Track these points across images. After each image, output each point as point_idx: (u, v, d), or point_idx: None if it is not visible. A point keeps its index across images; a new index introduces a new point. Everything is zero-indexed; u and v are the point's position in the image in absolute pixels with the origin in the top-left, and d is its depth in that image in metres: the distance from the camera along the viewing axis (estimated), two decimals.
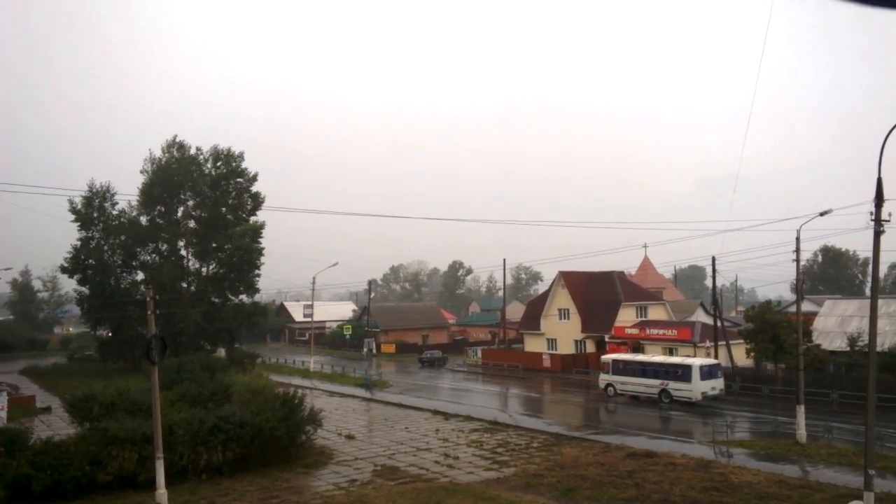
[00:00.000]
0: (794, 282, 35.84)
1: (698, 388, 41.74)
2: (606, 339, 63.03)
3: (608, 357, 48.60)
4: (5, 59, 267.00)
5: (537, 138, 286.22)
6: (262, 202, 63.38)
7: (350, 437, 33.73)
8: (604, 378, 47.09)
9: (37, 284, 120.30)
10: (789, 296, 66.94)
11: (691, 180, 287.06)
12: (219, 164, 61.93)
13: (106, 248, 60.01)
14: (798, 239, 33.42)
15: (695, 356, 49.30)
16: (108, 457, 23.98)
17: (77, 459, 23.19)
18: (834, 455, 28.38)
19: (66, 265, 59.67)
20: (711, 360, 45.55)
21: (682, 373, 42.65)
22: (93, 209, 59.51)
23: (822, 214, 31.92)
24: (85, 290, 60.89)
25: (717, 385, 42.72)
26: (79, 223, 59.14)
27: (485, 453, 29.95)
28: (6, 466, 22.44)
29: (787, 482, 23.89)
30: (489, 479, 25.19)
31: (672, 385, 42.81)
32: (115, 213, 60.66)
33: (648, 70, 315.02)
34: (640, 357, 48.36)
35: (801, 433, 31.27)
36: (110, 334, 62.72)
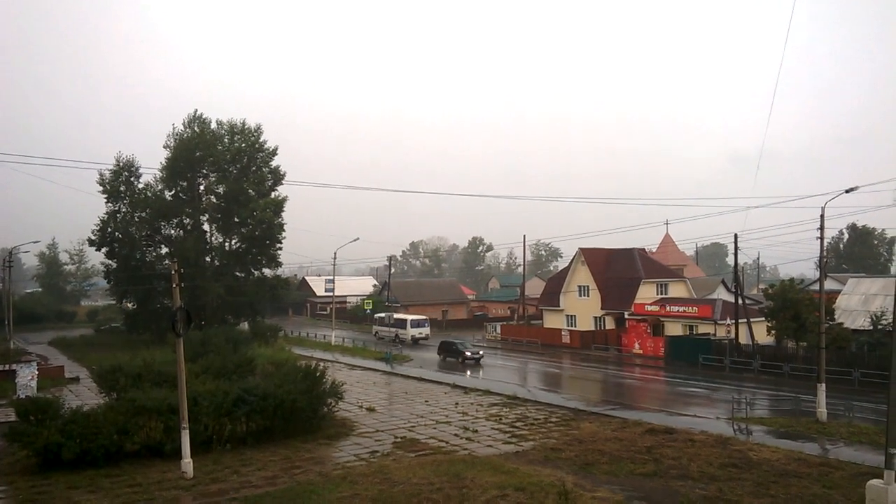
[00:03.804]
0: (818, 260, 35.51)
1: (410, 333, 69.13)
2: (626, 316, 62.93)
3: (377, 315, 76.87)
4: (44, 41, 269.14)
5: (562, 114, 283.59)
6: (283, 177, 63.60)
7: (371, 410, 34.18)
8: (375, 328, 75.05)
9: (64, 257, 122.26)
10: (813, 274, 66.20)
11: (724, 157, 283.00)
12: (237, 137, 62.18)
13: (134, 220, 60.68)
14: (822, 216, 33.07)
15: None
16: (136, 427, 24.58)
17: (105, 429, 23.77)
18: (854, 433, 28.30)
19: (93, 238, 60.44)
20: (420, 317, 72.86)
21: (403, 324, 70.31)
22: (119, 182, 60.13)
23: (847, 191, 31.54)
24: (112, 262, 61.72)
25: (423, 332, 69.83)
26: (106, 196, 59.80)
27: (503, 427, 30.25)
28: (37, 434, 23.07)
29: (806, 460, 23.91)
30: (508, 453, 25.47)
31: (399, 331, 70.42)
32: (140, 186, 61.19)
33: (682, 45, 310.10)
34: (392, 315, 74.60)
35: (822, 411, 31.18)
36: (135, 307, 63.63)
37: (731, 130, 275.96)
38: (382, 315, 76.22)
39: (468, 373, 48.07)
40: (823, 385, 31.68)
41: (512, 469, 22.52)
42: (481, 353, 55.13)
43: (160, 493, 20.87)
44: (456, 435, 28.73)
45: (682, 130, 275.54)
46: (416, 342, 68.12)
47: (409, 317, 73.01)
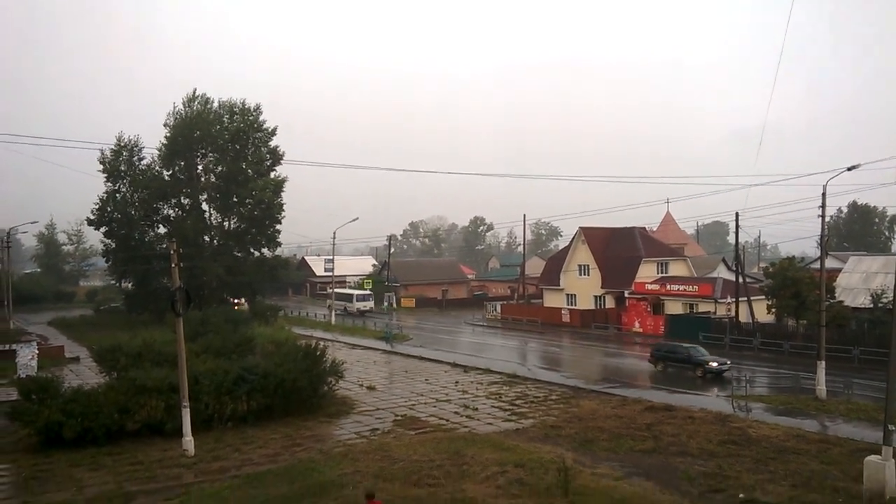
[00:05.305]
0: (819, 238, 35.41)
1: (356, 305, 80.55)
2: (626, 295, 62.95)
3: (331, 291, 79.37)
4: (34, 12, 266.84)
5: (561, 91, 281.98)
6: (282, 157, 63.27)
7: (371, 388, 34.29)
8: (328, 301, 78.69)
9: (62, 238, 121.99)
10: (814, 252, 66.08)
11: (724, 133, 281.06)
12: (236, 117, 61.74)
13: (133, 201, 60.48)
14: (824, 194, 32.92)
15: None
16: (136, 405, 24.66)
17: (106, 408, 23.84)
18: (853, 410, 28.41)
19: (91, 218, 60.28)
20: (365, 291, 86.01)
21: (350, 298, 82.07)
22: (120, 162, 59.90)
23: (849, 169, 31.35)
24: (111, 242, 61.62)
25: (368, 304, 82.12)
26: (106, 175, 59.57)
27: (503, 405, 30.35)
28: (39, 413, 23.14)
29: (805, 436, 24.00)
30: (508, 430, 25.57)
31: (347, 304, 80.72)
32: (142, 167, 60.95)
33: (682, 19, 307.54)
34: (341, 290, 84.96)
35: (821, 389, 31.27)
36: (134, 287, 63.55)
37: (733, 107, 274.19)
38: (338, 291, 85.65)
39: (715, 392, 34.00)
40: (823, 363, 31.74)
41: (512, 446, 22.61)
42: (728, 362, 39.06)
43: (162, 470, 20.97)
44: (456, 413, 28.82)
45: (683, 107, 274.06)
46: (361, 314, 78.31)
47: (355, 292, 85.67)
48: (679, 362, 39.74)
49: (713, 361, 38.09)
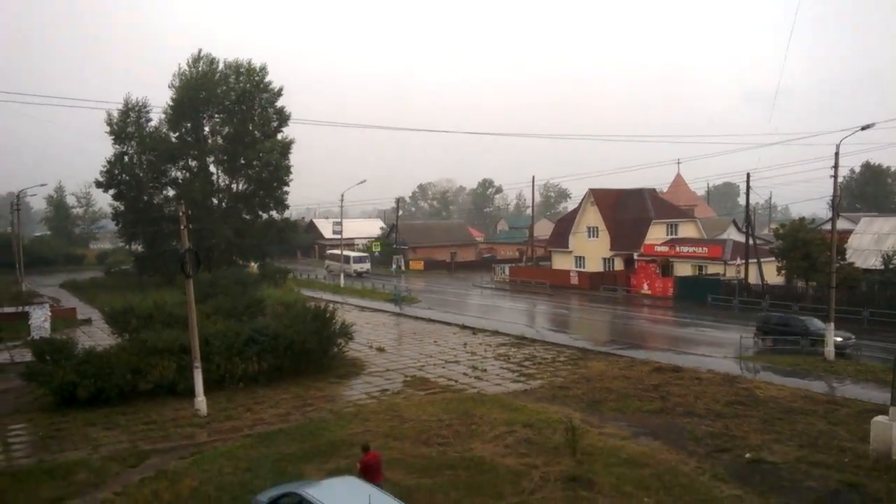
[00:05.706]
0: (831, 199, 35.01)
1: (353, 267, 79.42)
2: (635, 257, 62.81)
3: (328, 252, 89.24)
4: None
5: (571, 51, 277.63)
6: (288, 117, 62.82)
7: (381, 350, 34.54)
8: (326, 262, 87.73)
9: (71, 200, 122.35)
10: (825, 213, 65.53)
11: (737, 95, 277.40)
12: (241, 77, 61.12)
13: (141, 163, 60.36)
14: (837, 154, 32.41)
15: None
16: (148, 366, 24.91)
17: (119, 369, 24.12)
18: (861, 372, 28.44)
19: (100, 180, 60.27)
20: (361, 254, 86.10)
21: (348, 259, 79.87)
22: (128, 124, 59.65)
23: (863, 129, 30.87)
24: (119, 205, 61.75)
25: (365, 266, 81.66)
26: (113, 137, 59.37)
27: (512, 366, 30.54)
28: (53, 374, 23.48)
29: (812, 397, 24.08)
30: (516, 391, 25.78)
31: (345, 266, 75.66)
32: (149, 129, 60.67)
33: None
34: (336, 252, 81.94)
35: (830, 350, 31.25)
36: (144, 249, 63.79)
37: (745, 68, 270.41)
38: (333, 252, 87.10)
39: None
40: (832, 324, 31.68)
41: (520, 406, 22.81)
42: (853, 336, 33.95)
43: (175, 429, 21.28)
44: (465, 374, 29.05)
45: (695, 68, 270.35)
46: (359, 275, 78.82)
47: (352, 254, 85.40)
48: (793, 336, 34.34)
49: (837, 336, 32.67)
